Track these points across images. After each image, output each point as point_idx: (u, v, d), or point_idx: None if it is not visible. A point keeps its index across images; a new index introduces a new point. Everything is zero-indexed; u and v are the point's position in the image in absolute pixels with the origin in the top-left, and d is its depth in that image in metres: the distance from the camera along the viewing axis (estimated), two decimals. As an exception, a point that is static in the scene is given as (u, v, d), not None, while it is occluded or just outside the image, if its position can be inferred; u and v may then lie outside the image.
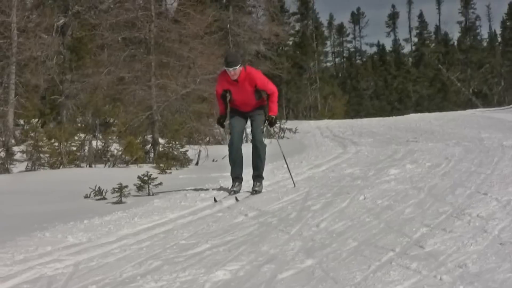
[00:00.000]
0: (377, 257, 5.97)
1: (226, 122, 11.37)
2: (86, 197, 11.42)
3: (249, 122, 10.93)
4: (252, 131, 10.93)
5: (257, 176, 10.83)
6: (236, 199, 9.95)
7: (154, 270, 6.03)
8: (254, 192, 10.56)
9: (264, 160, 10.85)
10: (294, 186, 10.87)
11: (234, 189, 10.60)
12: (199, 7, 22.47)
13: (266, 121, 10.88)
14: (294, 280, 5.46)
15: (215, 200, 9.85)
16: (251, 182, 10.86)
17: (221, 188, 11.04)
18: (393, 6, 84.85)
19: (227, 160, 11.00)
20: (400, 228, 7.16)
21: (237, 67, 10.23)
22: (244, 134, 13.77)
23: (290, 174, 11.31)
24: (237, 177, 10.75)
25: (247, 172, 10.93)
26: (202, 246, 6.90)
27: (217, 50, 23.81)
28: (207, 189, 11.07)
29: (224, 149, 10.55)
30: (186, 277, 5.70)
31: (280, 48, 53.77)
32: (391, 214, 8.01)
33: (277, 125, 20.91)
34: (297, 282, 5.39)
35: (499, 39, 77.28)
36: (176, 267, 6.05)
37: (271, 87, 10.72)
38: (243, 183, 10.84)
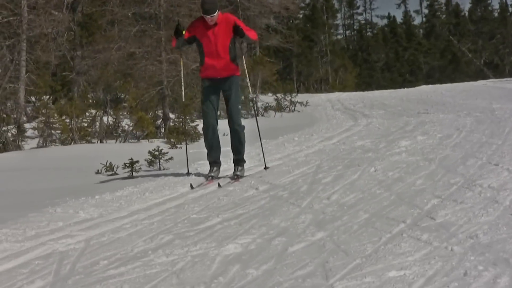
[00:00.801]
0: (388, 229, 5.96)
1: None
2: (97, 172, 11.48)
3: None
4: (228, 112, 10.02)
5: (238, 160, 10.09)
6: (219, 185, 9.23)
7: (165, 244, 6.04)
8: (236, 177, 9.76)
9: (245, 143, 10.09)
10: (265, 168, 10.18)
11: (212, 174, 9.90)
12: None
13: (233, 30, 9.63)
14: (305, 252, 5.46)
15: (192, 187, 9.14)
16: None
17: (204, 172, 10.51)
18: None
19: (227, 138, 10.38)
20: (411, 199, 7.15)
21: (215, 14, 9.45)
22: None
23: (264, 157, 10.57)
24: (214, 161, 10.07)
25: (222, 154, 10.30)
26: (213, 220, 6.91)
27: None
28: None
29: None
30: (197, 251, 5.71)
31: (291, 21, 53.54)
32: (402, 186, 8.00)
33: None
34: (308, 254, 5.39)
35: (510, 10, 76.59)
36: (187, 241, 6.06)
37: (250, 28, 9.97)
38: (221, 167, 10.18)
